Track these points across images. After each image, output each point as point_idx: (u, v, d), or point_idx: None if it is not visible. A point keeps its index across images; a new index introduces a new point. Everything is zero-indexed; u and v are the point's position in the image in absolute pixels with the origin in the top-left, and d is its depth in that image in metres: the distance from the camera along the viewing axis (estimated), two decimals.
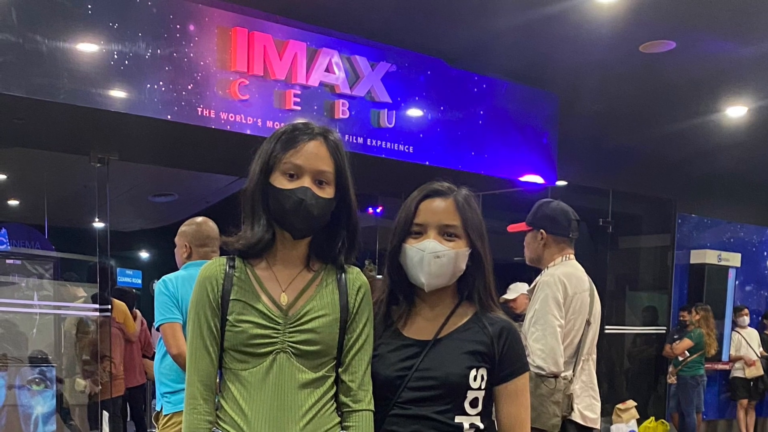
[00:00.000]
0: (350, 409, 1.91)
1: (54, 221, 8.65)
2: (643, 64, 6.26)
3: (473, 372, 1.91)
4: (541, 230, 3.44)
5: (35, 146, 6.26)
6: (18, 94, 4.48)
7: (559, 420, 3.19)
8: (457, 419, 1.92)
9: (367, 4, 5.36)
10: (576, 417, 3.28)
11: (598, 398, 3.45)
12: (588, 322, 3.36)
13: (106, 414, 5.98)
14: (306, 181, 1.83)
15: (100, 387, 6.12)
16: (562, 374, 3.22)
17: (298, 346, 1.85)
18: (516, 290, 6.32)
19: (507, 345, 1.94)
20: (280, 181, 1.84)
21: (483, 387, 1.93)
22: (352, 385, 1.91)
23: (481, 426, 1.94)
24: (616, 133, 8.09)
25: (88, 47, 4.65)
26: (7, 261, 6.40)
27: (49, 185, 7.77)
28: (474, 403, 1.93)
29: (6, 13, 4.37)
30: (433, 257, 1.91)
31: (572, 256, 3.47)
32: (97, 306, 6.01)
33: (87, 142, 5.61)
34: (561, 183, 7.17)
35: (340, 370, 1.92)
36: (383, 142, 5.80)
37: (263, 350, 1.84)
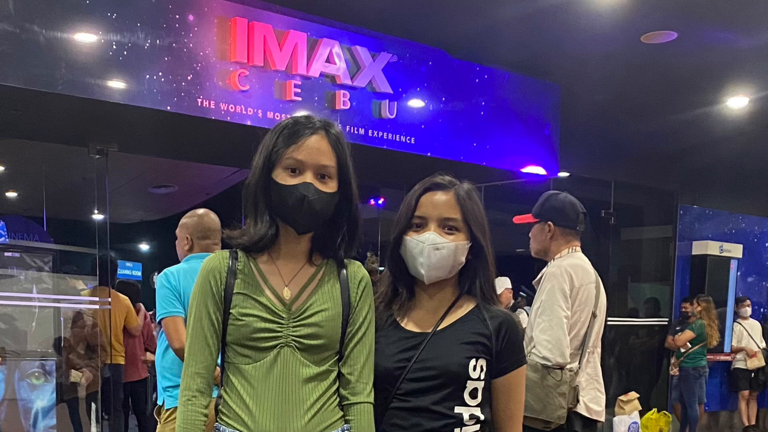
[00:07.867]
0: (349, 402, 1.90)
1: (53, 213, 8.63)
2: (644, 55, 6.24)
3: (473, 362, 1.90)
4: (549, 222, 3.42)
5: (33, 137, 6.21)
6: (15, 84, 4.44)
7: (564, 412, 3.16)
8: (457, 410, 1.91)
9: None
10: (581, 409, 3.26)
11: (603, 391, 3.44)
12: (594, 315, 3.34)
13: (93, 405, 5.97)
14: (308, 177, 1.83)
15: (91, 376, 6.08)
16: (568, 366, 3.19)
17: (302, 340, 1.84)
18: (500, 285, 6.31)
19: (506, 338, 1.94)
20: (282, 177, 1.83)
21: (482, 378, 1.92)
22: (350, 378, 1.90)
23: (482, 417, 1.93)
24: (617, 124, 8.07)
25: (86, 37, 4.62)
26: (6, 254, 6.38)
27: (48, 177, 7.73)
28: (473, 394, 1.92)
29: (2, 3, 4.33)
30: (432, 249, 1.92)
31: (578, 249, 3.45)
32: (96, 299, 5.98)
33: (85, 134, 5.58)
34: (563, 174, 7.16)
35: (340, 363, 1.91)
36: (385, 134, 5.77)
37: (267, 344, 1.83)
